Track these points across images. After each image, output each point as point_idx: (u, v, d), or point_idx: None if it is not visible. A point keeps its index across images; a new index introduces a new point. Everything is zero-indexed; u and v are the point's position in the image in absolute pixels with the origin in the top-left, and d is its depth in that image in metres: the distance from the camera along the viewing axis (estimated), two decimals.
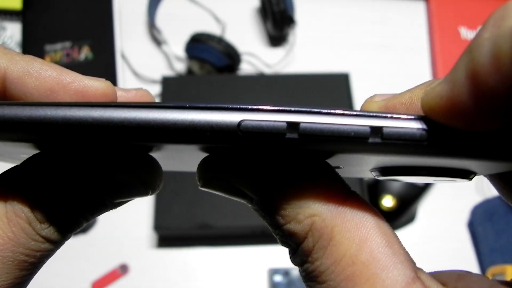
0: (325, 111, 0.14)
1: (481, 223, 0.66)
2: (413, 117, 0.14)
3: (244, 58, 0.79)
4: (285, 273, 0.62)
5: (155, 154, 0.17)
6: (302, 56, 0.82)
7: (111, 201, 0.17)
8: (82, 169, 0.16)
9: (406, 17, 0.86)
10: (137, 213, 0.67)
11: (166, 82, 0.73)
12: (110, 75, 0.75)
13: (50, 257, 0.17)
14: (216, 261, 0.65)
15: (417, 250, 0.66)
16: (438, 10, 0.85)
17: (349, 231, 0.15)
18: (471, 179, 0.17)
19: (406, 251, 0.15)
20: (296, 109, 0.14)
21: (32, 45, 0.77)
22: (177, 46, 0.79)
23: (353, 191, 0.16)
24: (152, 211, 0.64)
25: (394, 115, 0.14)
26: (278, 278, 0.62)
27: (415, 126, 0.14)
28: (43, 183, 0.16)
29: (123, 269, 0.64)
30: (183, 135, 0.14)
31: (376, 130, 0.14)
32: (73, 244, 0.66)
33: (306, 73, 0.75)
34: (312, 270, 0.15)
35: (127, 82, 0.78)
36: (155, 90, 0.76)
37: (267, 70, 0.80)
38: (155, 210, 0.63)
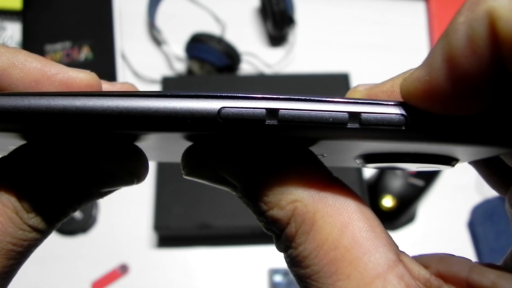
0: (304, 97, 0.14)
1: (481, 223, 0.66)
2: (391, 102, 0.14)
3: (244, 58, 0.79)
4: (285, 273, 0.62)
5: (141, 144, 0.18)
6: (302, 56, 0.82)
7: (97, 190, 0.17)
8: (68, 159, 0.16)
9: (406, 17, 0.86)
10: (137, 213, 0.67)
11: (166, 82, 0.73)
12: (110, 75, 0.75)
13: (37, 246, 0.17)
14: (216, 261, 0.65)
15: (417, 250, 0.66)
16: (438, 10, 0.85)
17: (331, 216, 0.15)
18: (453, 165, 0.17)
19: (388, 235, 0.15)
20: (276, 96, 0.14)
21: (32, 45, 0.77)
22: (177, 46, 0.79)
23: (336, 177, 0.16)
24: (152, 211, 0.64)
25: (372, 101, 0.14)
26: (278, 278, 0.62)
27: (393, 111, 0.14)
28: (29, 173, 0.16)
29: (123, 269, 0.64)
30: (164, 123, 0.14)
31: (354, 116, 0.14)
32: (73, 244, 0.66)
33: (306, 73, 0.75)
34: (295, 255, 0.15)
35: None
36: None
37: (267, 70, 0.80)
38: (155, 210, 0.63)
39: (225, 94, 0.14)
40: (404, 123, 0.14)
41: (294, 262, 0.15)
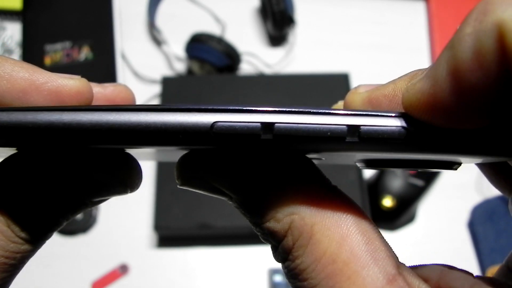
0: (300, 110, 0.14)
1: (481, 223, 0.66)
2: (392, 114, 0.14)
3: (244, 58, 0.79)
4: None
5: (133, 151, 0.17)
6: (302, 56, 0.82)
7: (90, 200, 0.17)
8: (58, 170, 0.16)
9: (406, 17, 0.86)
10: (137, 213, 0.67)
11: (166, 82, 0.73)
12: (110, 75, 0.75)
13: (30, 257, 0.17)
14: (216, 261, 0.65)
15: (417, 250, 0.66)
16: (438, 10, 0.85)
17: (329, 229, 0.14)
18: (456, 169, 0.17)
19: (388, 247, 0.15)
20: (271, 109, 0.14)
21: (32, 45, 0.77)
22: (177, 46, 0.79)
23: (334, 186, 0.16)
24: (152, 211, 0.64)
25: (372, 113, 0.14)
26: (278, 278, 0.62)
27: (394, 123, 0.14)
28: (20, 186, 0.16)
29: (123, 269, 0.64)
30: (155, 138, 0.14)
31: (353, 129, 0.14)
32: (73, 244, 0.66)
33: (306, 73, 0.75)
34: (293, 268, 0.15)
35: (127, 82, 0.78)
36: (155, 90, 0.76)
37: (267, 70, 0.80)
38: (155, 210, 0.63)
39: (218, 107, 0.14)
40: (405, 136, 0.14)
41: (292, 274, 0.15)
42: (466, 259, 0.66)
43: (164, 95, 0.71)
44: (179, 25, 0.82)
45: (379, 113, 0.14)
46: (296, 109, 0.14)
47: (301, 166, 0.16)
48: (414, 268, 0.16)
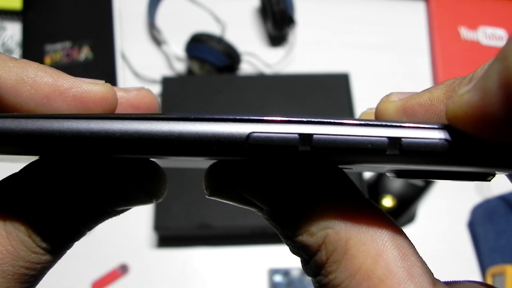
0: (340, 121, 0.13)
1: (481, 223, 0.66)
2: (434, 126, 0.13)
3: (244, 58, 0.79)
4: (285, 273, 0.62)
5: (159, 159, 0.17)
6: (302, 56, 0.82)
7: (113, 209, 0.17)
8: (81, 179, 0.16)
9: (406, 17, 0.86)
10: (137, 213, 0.67)
11: (166, 82, 0.73)
12: (110, 75, 0.75)
13: (51, 268, 0.16)
14: (216, 261, 0.65)
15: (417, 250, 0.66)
16: (438, 10, 0.85)
17: (364, 244, 0.14)
18: (490, 180, 0.16)
19: (423, 263, 0.14)
20: (309, 119, 0.13)
21: (32, 45, 0.77)
22: (177, 46, 0.79)
23: (367, 199, 0.16)
24: (152, 211, 0.64)
25: (414, 124, 0.13)
26: (278, 278, 0.62)
27: (437, 136, 0.13)
28: (41, 194, 0.15)
29: (123, 269, 0.64)
30: (188, 148, 0.13)
31: (394, 141, 0.13)
32: (73, 244, 0.65)
33: (306, 73, 0.75)
34: (325, 283, 0.14)
35: (127, 82, 0.78)
36: (155, 90, 0.76)
37: (267, 70, 0.80)
38: (155, 210, 0.63)
39: (254, 118, 0.13)
40: (448, 149, 0.13)
41: None
42: (466, 259, 0.66)
43: (164, 95, 0.71)
44: (179, 25, 0.82)
45: (421, 125, 0.13)
46: (336, 120, 0.13)
47: (336, 179, 0.15)
48: (449, 284, 0.16)
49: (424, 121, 0.14)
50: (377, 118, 0.17)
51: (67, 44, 0.77)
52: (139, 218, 0.67)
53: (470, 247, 0.67)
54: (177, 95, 0.72)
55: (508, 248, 0.63)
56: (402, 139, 0.13)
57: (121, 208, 0.17)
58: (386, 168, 0.17)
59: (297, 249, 0.15)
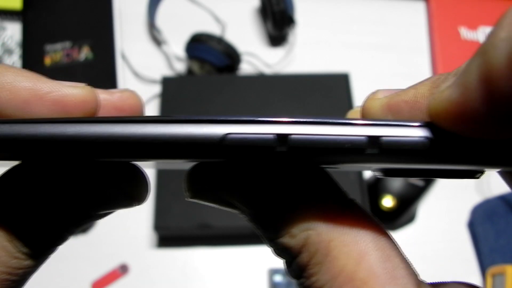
0: (317, 120, 0.13)
1: (481, 223, 0.66)
2: (415, 123, 0.13)
3: (244, 58, 0.79)
4: (285, 273, 0.62)
5: (139, 162, 0.16)
6: (302, 56, 0.82)
7: (95, 213, 0.16)
8: (62, 183, 0.15)
9: (406, 17, 0.86)
10: (137, 213, 0.67)
11: (166, 82, 0.73)
12: (110, 75, 0.75)
13: (34, 272, 0.16)
14: (216, 261, 0.65)
15: (417, 250, 0.66)
16: (438, 10, 0.85)
17: (346, 245, 0.14)
18: (478, 177, 0.16)
19: (408, 264, 0.14)
20: (285, 119, 0.13)
21: (32, 45, 0.77)
22: (177, 46, 0.79)
23: (351, 199, 0.15)
24: (152, 211, 0.64)
25: (393, 122, 0.13)
26: (278, 278, 0.62)
27: (417, 134, 0.13)
28: (22, 199, 0.15)
29: (123, 269, 0.64)
30: (163, 151, 0.13)
31: (373, 140, 0.13)
32: (73, 244, 0.66)
33: (306, 73, 0.75)
34: (308, 285, 0.14)
35: (127, 82, 0.78)
36: (155, 90, 0.76)
37: (267, 70, 0.80)
38: (155, 210, 0.63)
39: (230, 118, 0.13)
40: (429, 147, 0.13)
41: None
42: (466, 259, 0.66)
43: (164, 95, 0.71)
44: (179, 25, 0.82)
45: (401, 123, 0.13)
46: (313, 120, 0.13)
47: (317, 179, 0.15)
48: (435, 285, 0.15)
49: (406, 119, 0.14)
50: (363, 115, 0.17)
51: (67, 44, 0.77)
52: (139, 218, 0.67)
53: (470, 247, 0.67)
54: (177, 95, 0.72)
55: (508, 248, 0.63)
56: (382, 137, 0.13)
57: (103, 212, 0.17)
58: (373, 167, 0.16)
59: (279, 251, 0.15)
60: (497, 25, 0.11)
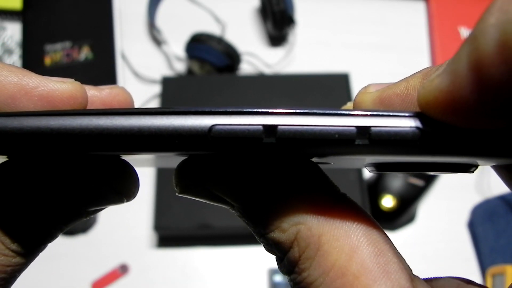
0: (305, 111, 0.13)
1: (481, 223, 0.66)
2: (405, 114, 0.13)
3: (244, 58, 0.79)
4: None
5: (129, 157, 0.16)
6: (302, 56, 0.82)
7: (84, 210, 0.16)
8: (51, 179, 0.15)
9: (406, 17, 0.86)
10: (137, 213, 0.67)
11: (166, 82, 0.73)
12: (110, 75, 0.75)
13: (23, 270, 0.16)
14: (216, 261, 0.65)
15: (417, 250, 0.66)
16: (438, 10, 0.85)
17: (337, 239, 0.13)
18: (473, 172, 0.16)
19: (401, 258, 0.14)
20: (273, 110, 0.13)
21: (32, 45, 0.77)
22: (177, 46, 0.79)
23: (342, 193, 0.15)
24: (152, 211, 0.64)
25: (383, 113, 0.13)
26: (278, 278, 0.62)
27: (408, 124, 0.13)
28: (9, 195, 0.15)
29: (123, 269, 0.64)
30: (149, 143, 0.13)
31: (363, 131, 0.13)
32: (73, 244, 0.66)
33: (306, 73, 0.75)
34: (299, 281, 0.14)
35: (127, 82, 0.78)
36: (155, 90, 0.76)
37: (267, 70, 0.80)
38: (155, 210, 0.63)
39: (216, 110, 0.13)
40: (420, 137, 0.13)
41: (298, 287, 0.14)
42: (466, 259, 0.66)
43: (164, 95, 0.71)
44: (179, 25, 0.82)
45: (391, 113, 0.13)
46: (301, 110, 0.13)
47: (307, 172, 0.15)
48: (428, 280, 0.15)
49: (396, 110, 0.14)
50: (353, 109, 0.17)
51: (67, 44, 0.77)
52: (139, 218, 0.67)
53: (470, 247, 0.67)
54: (177, 95, 0.72)
55: (508, 248, 0.63)
56: (371, 128, 0.13)
57: (92, 209, 0.16)
58: (364, 161, 0.16)
59: (270, 246, 0.15)
60: (486, 11, 0.11)
